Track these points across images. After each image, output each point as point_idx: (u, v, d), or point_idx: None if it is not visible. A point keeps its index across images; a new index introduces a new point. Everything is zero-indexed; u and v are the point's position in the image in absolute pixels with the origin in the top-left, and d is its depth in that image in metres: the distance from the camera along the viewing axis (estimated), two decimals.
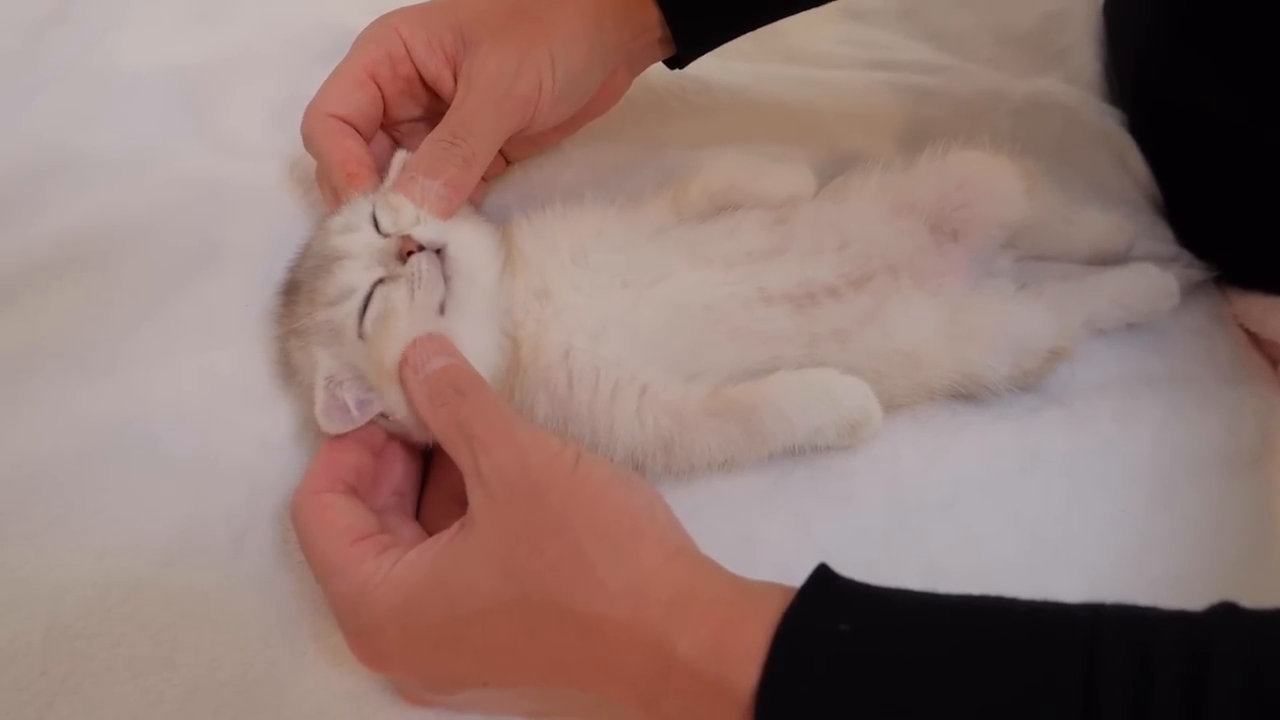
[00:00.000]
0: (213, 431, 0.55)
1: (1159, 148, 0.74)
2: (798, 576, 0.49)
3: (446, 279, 0.52)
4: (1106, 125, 0.75)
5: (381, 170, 0.59)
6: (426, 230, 0.53)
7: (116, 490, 0.52)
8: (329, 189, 0.59)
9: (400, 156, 0.58)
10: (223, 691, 0.48)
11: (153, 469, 0.53)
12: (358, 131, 0.59)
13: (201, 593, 0.50)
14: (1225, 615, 0.37)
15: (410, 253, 0.51)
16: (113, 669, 0.48)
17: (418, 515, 0.54)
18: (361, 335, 0.51)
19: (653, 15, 0.61)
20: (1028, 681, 0.36)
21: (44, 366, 0.56)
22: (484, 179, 0.65)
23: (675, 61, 0.65)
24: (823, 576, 0.42)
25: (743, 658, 0.38)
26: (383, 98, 0.60)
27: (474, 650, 0.44)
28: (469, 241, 0.55)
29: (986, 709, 0.36)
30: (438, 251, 0.52)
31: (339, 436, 0.52)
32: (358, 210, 0.55)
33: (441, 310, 0.52)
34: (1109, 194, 0.72)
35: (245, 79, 0.72)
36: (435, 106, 0.61)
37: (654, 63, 0.65)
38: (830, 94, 0.74)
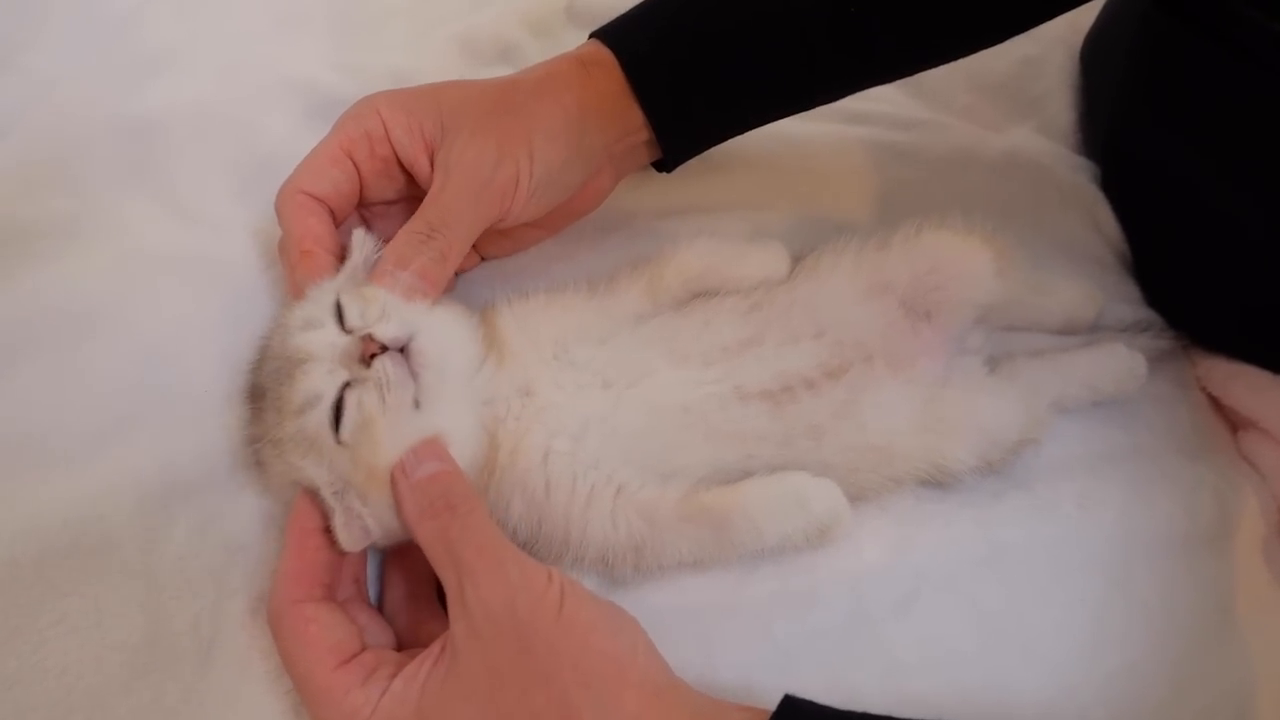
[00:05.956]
0: (174, 533, 0.53)
1: (1129, 203, 0.74)
2: (758, 680, 0.51)
3: (415, 375, 0.50)
4: (1078, 182, 0.75)
5: (341, 251, 0.57)
6: (389, 327, 0.51)
7: (76, 598, 0.51)
8: (289, 264, 0.57)
9: (359, 235, 0.57)
10: None
11: (113, 575, 0.52)
12: (331, 210, 0.58)
13: (169, 708, 0.49)
14: None
15: (374, 355, 0.50)
16: None
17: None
18: (340, 443, 0.50)
19: (638, 117, 0.60)
20: None
21: None
22: (455, 271, 0.64)
23: (663, 165, 0.65)
24: (787, 708, 0.43)
25: None
26: (359, 176, 0.58)
27: None
28: (438, 329, 0.53)
29: None
30: (402, 349, 0.51)
31: (307, 531, 0.51)
32: (319, 303, 0.53)
33: (416, 405, 0.50)
34: (1079, 252, 0.72)
35: (199, 137, 0.69)
36: (410, 190, 0.60)
37: (640, 166, 0.64)
38: (804, 152, 0.73)
